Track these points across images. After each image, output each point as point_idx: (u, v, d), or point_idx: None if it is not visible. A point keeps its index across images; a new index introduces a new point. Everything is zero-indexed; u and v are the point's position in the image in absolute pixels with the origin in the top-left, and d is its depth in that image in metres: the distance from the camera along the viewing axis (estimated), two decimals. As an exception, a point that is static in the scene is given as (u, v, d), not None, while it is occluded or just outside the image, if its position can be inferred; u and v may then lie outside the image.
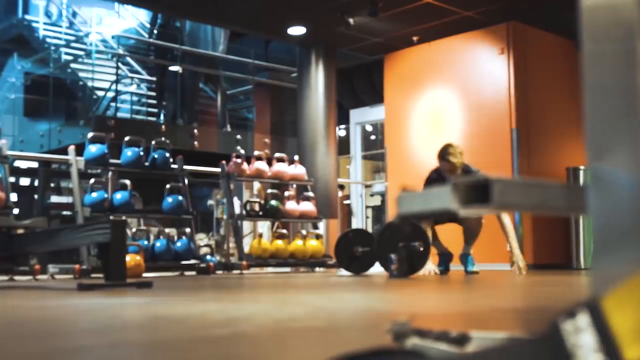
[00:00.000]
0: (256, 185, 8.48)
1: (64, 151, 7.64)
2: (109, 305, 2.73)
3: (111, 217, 5.12)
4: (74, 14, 12.25)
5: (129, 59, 11.18)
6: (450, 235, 6.42)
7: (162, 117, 10.39)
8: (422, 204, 1.22)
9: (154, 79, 10.91)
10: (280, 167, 7.48)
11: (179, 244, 6.70)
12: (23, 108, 11.68)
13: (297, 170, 7.61)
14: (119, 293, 3.40)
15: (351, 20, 7.62)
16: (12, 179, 6.78)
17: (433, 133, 8.16)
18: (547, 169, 7.57)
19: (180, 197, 6.79)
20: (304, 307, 2.52)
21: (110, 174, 6.61)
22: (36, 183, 9.58)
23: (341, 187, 9.53)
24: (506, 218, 5.93)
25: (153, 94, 10.98)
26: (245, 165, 7.30)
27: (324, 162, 8.37)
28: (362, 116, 11.05)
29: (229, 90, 11.33)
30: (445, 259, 6.33)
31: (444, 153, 5.97)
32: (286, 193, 7.47)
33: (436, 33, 8.02)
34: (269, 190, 7.43)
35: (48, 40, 11.71)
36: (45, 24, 11.98)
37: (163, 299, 3.08)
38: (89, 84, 10.60)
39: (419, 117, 8.33)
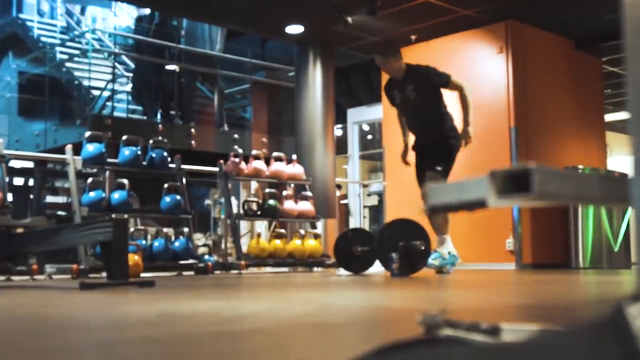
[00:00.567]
0: (254, 184, 8.43)
1: (60, 150, 7.59)
2: (117, 303, 2.69)
3: (113, 216, 5.06)
4: (69, 13, 12.17)
5: (124, 58, 11.10)
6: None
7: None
8: (456, 195, 1.19)
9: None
10: (278, 167, 7.44)
11: (177, 243, 6.65)
12: (17, 107, 11.60)
13: (295, 169, 7.57)
14: (122, 292, 3.36)
15: (349, 19, 7.59)
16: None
17: (431, 132, 8.14)
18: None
19: (178, 197, 6.74)
20: (314, 304, 2.49)
21: (107, 173, 6.56)
22: (30, 183, 9.50)
23: (338, 186, 9.49)
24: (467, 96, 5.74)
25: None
26: (243, 165, 7.26)
27: (322, 162, 8.34)
28: (360, 115, 11.02)
29: (226, 89, 11.27)
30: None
31: (382, 50, 5.79)
32: (284, 192, 7.43)
33: (434, 32, 8.00)
34: (267, 190, 7.39)
35: (42, 39, 11.64)
36: (39, 22, 11.90)
37: (169, 297, 3.04)
38: (85, 83, 10.53)
39: (417, 116, 8.30)
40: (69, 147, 6.40)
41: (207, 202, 9.17)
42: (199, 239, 8.58)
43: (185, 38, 10.55)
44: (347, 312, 2.15)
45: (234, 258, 7.14)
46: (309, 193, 7.53)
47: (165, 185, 6.72)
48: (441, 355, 0.68)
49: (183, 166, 6.98)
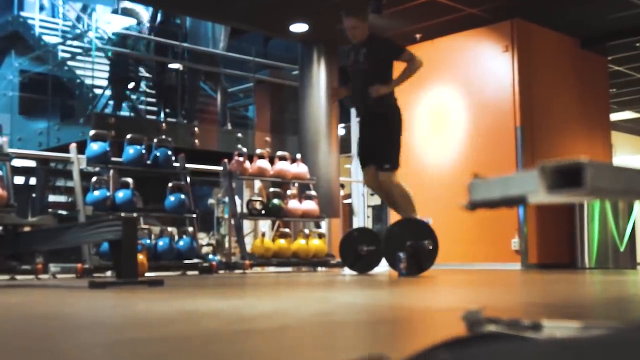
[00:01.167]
0: (257, 184, 8.39)
1: (63, 149, 7.54)
2: (132, 301, 2.65)
3: (122, 214, 5.03)
4: (79, 18, 12.11)
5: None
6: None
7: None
8: (501, 190, 1.15)
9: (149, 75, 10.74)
10: (282, 166, 7.41)
11: (181, 243, 6.61)
12: (19, 106, 11.55)
13: (299, 168, 7.54)
14: (133, 291, 3.32)
15: (354, 18, 7.54)
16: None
17: (436, 132, 8.12)
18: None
19: (182, 196, 6.71)
20: (330, 303, 2.46)
21: (111, 172, 6.52)
22: (31, 182, 9.45)
23: (341, 186, 9.46)
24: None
25: (153, 92, 10.86)
26: (247, 164, 7.23)
27: (326, 161, 8.31)
28: (363, 115, 10.95)
29: (229, 88, 11.23)
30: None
31: (347, 9, 5.73)
32: (288, 192, 7.39)
33: (439, 30, 7.97)
34: (271, 189, 7.35)
35: (44, 37, 11.58)
36: (41, 20, 11.85)
37: (182, 296, 3.00)
38: (87, 81, 10.48)
39: (422, 116, 8.27)
40: (73, 146, 6.36)
41: (211, 201, 9.12)
42: (202, 238, 8.53)
43: (190, 36, 10.50)
44: (370, 311, 2.12)
45: (237, 257, 7.11)
46: (313, 192, 7.49)
47: (170, 184, 6.69)
48: (525, 349, 0.66)
49: (187, 165, 6.95)
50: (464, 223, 7.56)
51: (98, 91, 10.40)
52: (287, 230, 7.31)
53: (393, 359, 0.70)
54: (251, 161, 7.30)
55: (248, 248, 7.04)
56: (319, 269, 7.40)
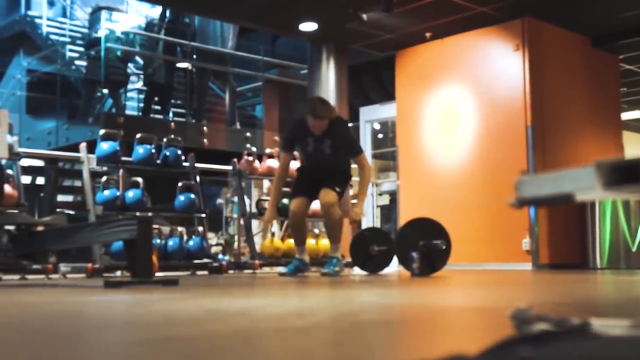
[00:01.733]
0: (266, 183, 8.37)
1: (72, 149, 7.52)
2: (152, 300, 2.62)
3: (137, 214, 5.00)
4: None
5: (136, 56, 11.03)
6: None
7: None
8: (551, 187, 1.13)
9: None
10: (291, 165, 7.36)
11: (191, 242, 6.60)
12: (26, 105, 11.54)
13: (309, 168, 7.49)
14: (149, 290, 3.30)
15: (364, 16, 7.52)
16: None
17: (446, 131, 8.08)
18: (563, 167, 7.49)
19: (192, 196, 6.69)
20: (354, 302, 2.43)
21: (121, 171, 6.51)
22: (37, 181, 9.43)
23: (350, 185, 9.40)
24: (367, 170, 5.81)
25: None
26: (256, 163, 7.20)
27: (335, 160, 8.25)
28: (372, 114, 10.95)
29: (237, 87, 11.20)
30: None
31: (316, 110, 5.49)
32: (297, 191, 7.35)
33: (450, 29, 7.93)
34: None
35: (52, 37, 11.57)
36: (48, 19, 11.84)
37: (200, 295, 2.98)
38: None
39: (432, 115, 8.24)
40: (83, 145, 6.35)
41: (219, 201, 9.11)
42: (211, 238, 8.52)
43: (198, 35, 10.46)
44: (394, 310, 2.09)
45: (246, 257, 7.08)
46: (322, 192, 7.44)
47: (179, 184, 6.67)
48: (611, 346, 0.64)
49: (196, 165, 6.93)
50: (474, 223, 7.52)
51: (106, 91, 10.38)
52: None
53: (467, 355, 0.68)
54: (260, 161, 7.27)
55: (257, 248, 7.02)
56: (329, 268, 7.35)
